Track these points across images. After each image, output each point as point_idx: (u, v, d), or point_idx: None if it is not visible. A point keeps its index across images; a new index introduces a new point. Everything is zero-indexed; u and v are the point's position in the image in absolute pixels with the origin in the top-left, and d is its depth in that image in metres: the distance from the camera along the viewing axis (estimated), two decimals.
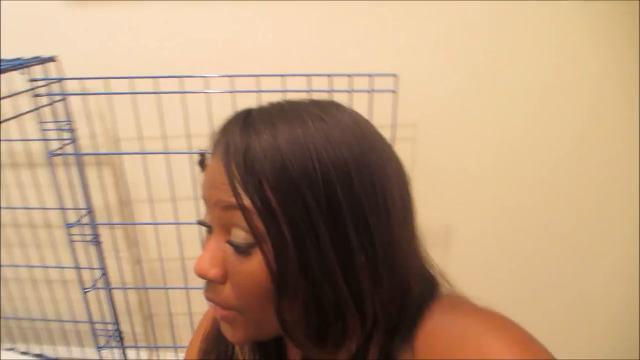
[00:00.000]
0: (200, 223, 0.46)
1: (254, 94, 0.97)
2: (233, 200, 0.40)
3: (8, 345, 1.44)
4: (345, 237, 0.41)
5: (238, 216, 0.40)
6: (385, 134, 1.07)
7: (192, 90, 1.00)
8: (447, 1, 1.00)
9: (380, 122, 1.01)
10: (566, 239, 1.20)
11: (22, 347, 1.43)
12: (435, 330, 0.44)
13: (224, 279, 0.43)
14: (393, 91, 0.95)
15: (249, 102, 1.00)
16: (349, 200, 0.40)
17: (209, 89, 0.99)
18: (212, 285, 0.44)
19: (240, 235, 0.41)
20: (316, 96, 0.92)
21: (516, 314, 0.45)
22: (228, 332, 0.47)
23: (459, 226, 1.21)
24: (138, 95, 1.02)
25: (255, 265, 0.41)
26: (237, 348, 0.56)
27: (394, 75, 0.94)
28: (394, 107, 0.96)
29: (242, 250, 0.41)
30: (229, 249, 0.42)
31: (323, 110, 0.44)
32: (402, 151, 1.11)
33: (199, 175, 0.46)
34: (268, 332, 0.46)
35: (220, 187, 0.41)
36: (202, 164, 0.47)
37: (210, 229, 0.45)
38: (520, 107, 1.09)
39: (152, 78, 0.99)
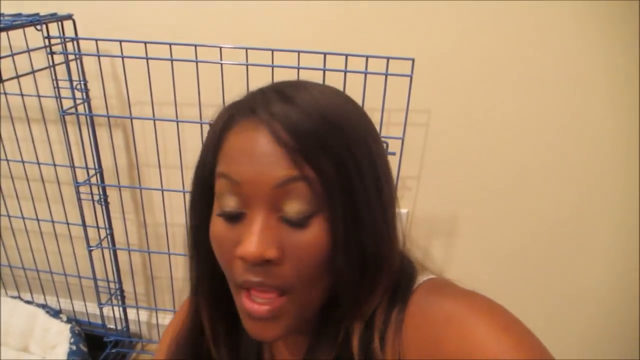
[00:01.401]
0: (227, 214, 0.42)
1: (268, 68, 0.96)
2: (292, 172, 0.39)
3: (13, 294, 1.48)
4: (381, 193, 0.44)
5: (295, 189, 0.40)
6: (399, 118, 1.04)
7: (206, 60, 0.99)
8: None
9: (393, 105, 1.00)
10: (575, 235, 1.18)
11: (26, 296, 1.47)
12: (420, 312, 0.45)
13: (281, 258, 0.41)
14: (409, 76, 0.93)
15: (262, 75, 0.99)
16: (377, 159, 0.44)
17: (222, 60, 0.98)
18: (265, 269, 0.41)
19: (297, 207, 0.40)
20: (330, 75, 0.92)
21: (517, 305, 0.45)
22: (269, 330, 0.44)
23: (464, 216, 1.21)
24: (152, 60, 1.01)
25: (316, 233, 0.41)
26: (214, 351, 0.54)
27: (411, 60, 0.92)
28: (409, 91, 0.94)
29: (300, 223, 0.40)
30: (282, 225, 0.41)
31: (327, 87, 0.47)
32: (414, 137, 1.11)
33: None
34: (307, 315, 0.46)
35: (271, 163, 0.40)
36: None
37: (238, 217, 0.42)
38: (539, 98, 1.06)
39: (167, 44, 0.97)
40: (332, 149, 0.40)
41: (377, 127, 0.99)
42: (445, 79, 1.07)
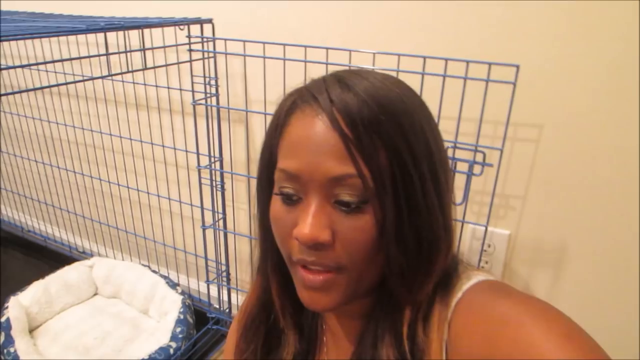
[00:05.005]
0: (284, 195, 0.46)
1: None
2: (348, 170, 0.42)
3: (144, 262, 1.71)
4: (437, 181, 0.46)
5: (349, 182, 0.43)
6: (500, 131, 0.98)
7: (314, 60, 1.05)
8: None
9: (500, 118, 0.95)
10: None
11: (153, 267, 1.67)
12: (473, 310, 0.44)
13: (333, 240, 0.44)
14: (513, 83, 0.89)
15: None
16: (434, 148, 0.45)
17: (328, 61, 1.04)
18: (318, 250, 0.44)
19: (350, 196, 0.43)
20: (429, 79, 0.91)
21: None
22: (321, 299, 0.47)
23: (575, 245, 1.08)
24: (277, 61, 1.10)
25: (367, 219, 0.43)
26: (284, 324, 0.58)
27: (515, 66, 0.88)
28: (512, 100, 0.90)
29: (352, 209, 0.43)
30: (334, 211, 0.44)
31: (388, 76, 0.48)
32: (522, 153, 1.03)
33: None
34: (359, 291, 0.48)
35: (328, 155, 0.42)
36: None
37: (293, 199, 0.46)
38: None
39: (282, 45, 1.06)
40: (387, 136, 0.42)
41: (475, 136, 0.95)
42: (561, 93, 0.98)
